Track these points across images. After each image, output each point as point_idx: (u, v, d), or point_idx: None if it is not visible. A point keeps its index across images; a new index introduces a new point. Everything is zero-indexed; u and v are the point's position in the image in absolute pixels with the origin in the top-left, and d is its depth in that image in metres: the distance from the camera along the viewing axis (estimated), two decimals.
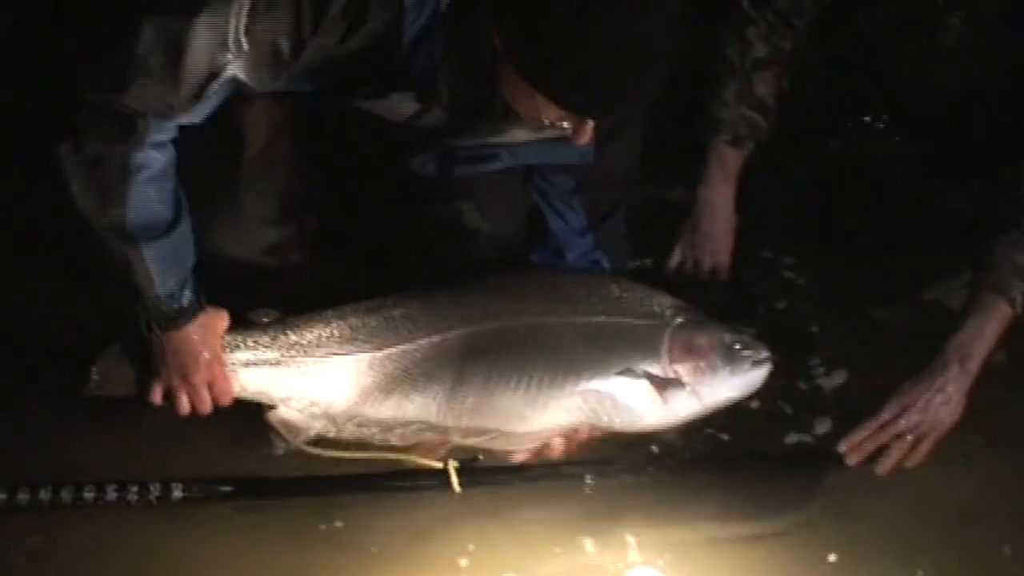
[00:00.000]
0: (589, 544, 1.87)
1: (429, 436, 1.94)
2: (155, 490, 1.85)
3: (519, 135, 1.89)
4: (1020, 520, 1.90)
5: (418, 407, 1.94)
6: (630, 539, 1.88)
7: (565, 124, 1.68)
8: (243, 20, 1.62)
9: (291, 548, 1.85)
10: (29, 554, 1.81)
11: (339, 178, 2.10)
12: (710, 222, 2.22)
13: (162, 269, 1.79)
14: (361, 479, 1.91)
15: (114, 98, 1.66)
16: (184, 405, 1.89)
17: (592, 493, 1.94)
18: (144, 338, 1.85)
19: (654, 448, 2.00)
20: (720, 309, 2.12)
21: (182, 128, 1.77)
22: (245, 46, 1.64)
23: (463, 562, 1.83)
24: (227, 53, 1.64)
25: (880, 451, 1.92)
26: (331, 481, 1.91)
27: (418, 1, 1.68)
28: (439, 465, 1.91)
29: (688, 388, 1.96)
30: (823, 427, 2.06)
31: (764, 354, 1.99)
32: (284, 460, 1.93)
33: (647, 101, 1.67)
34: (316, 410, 1.95)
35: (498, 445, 1.95)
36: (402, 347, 1.95)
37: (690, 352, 1.96)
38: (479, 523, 1.89)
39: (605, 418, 1.94)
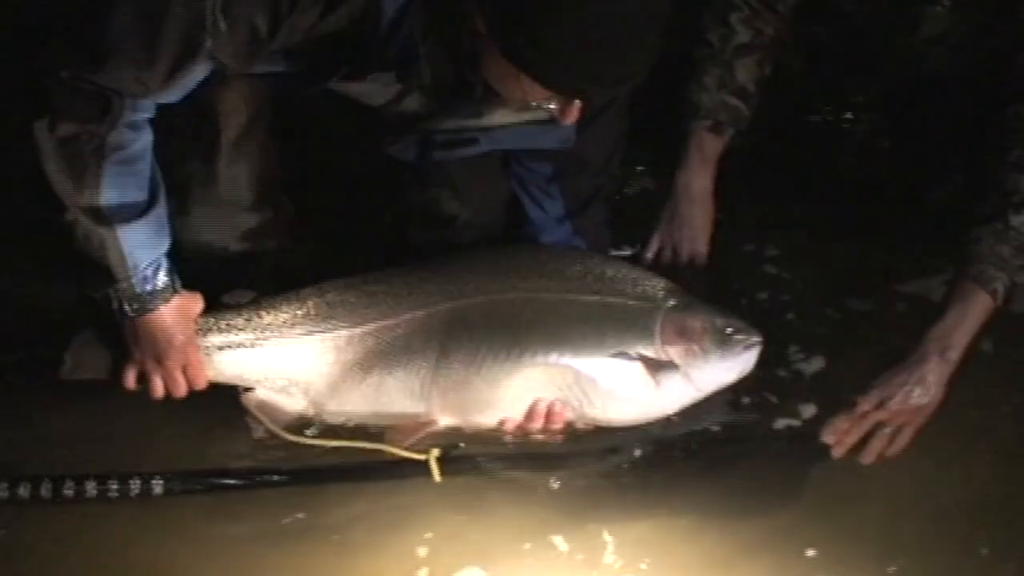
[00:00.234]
0: (560, 540, 1.85)
1: (411, 415, 1.93)
2: (134, 486, 1.83)
3: (498, 118, 1.87)
4: (998, 514, 1.90)
5: (400, 384, 1.92)
6: (607, 538, 1.86)
7: (552, 105, 1.68)
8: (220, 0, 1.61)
9: (254, 540, 1.83)
10: None
11: (316, 164, 2.09)
12: (688, 208, 2.21)
13: (136, 251, 1.78)
14: (337, 469, 1.90)
15: (89, 76, 1.64)
16: (158, 389, 1.87)
17: (563, 486, 1.92)
18: (118, 321, 1.84)
19: (635, 436, 1.98)
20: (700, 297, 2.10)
21: (158, 110, 1.76)
22: (221, 25, 1.63)
23: (422, 551, 1.81)
24: (203, 32, 1.63)
25: (864, 441, 1.93)
26: (307, 471, 1.89)
27: None
28: (421, 457, 1.89)
29: (680, 371, 1.94)
30: (806, 412, 2.05)
31: (755, 338, 1.99)
32: (261, 449, 1.92)
33: (635, 80, 1.66)
34: (295, 391, 1.94)
35: (482, 424, 1.94)
36: (384, 323, 1.93)
37: (683, 335, 1.95)
38: (444, 513, 1.87)
39: (596, 400, 1.92)
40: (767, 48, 2.21)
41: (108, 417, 1.93)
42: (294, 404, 1.94)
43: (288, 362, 1.93)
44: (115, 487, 1.83)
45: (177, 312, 1.86)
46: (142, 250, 1.79)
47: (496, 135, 1.94)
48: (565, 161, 2.06)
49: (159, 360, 1.86)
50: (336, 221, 2.17)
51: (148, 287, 1.81)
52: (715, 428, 2.01)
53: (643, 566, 1.81)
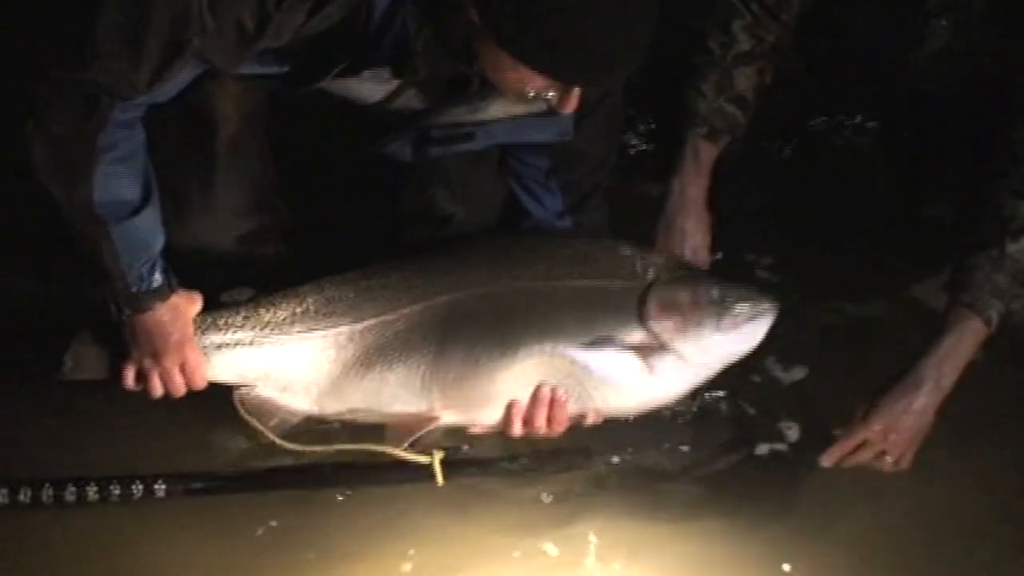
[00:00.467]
0: (550, 547, 1.84)
1: (412, 412, 1.91)
2: (136, 489, 1.84)
3: (495, 111, 1.86)
4: (978, 532, 1.89)
5: (400, 381, 1.90)
6: (591, 538, 1.85)
7: (550, 94, 1.66)
8: None
9: (246, 544, 1.83)
10: None
11: (311, 166, 2.08)
12: (683, 216, 2.15)
13: (130, 250, 1.78)
14: (340, 472, 1.89)
15: (76, 76, 1.63)
16: (156, 388, 1.87)
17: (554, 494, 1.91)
18: (115, 321, 1.83)
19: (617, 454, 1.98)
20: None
21: (152, 114, 1.75)
22: (208, 23, 1.61)
23: (410, 558, 1.81)
24: (190, 30, 1.61)
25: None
26: (309, 475, 1.90)
27: None
28: (424, 459, 1.88)
29: (675, 352, 1.89)
30: (791, 427, 2.03)
31: (764, 304, 1.92)
32: (263, 450, 1.91)
33: (631, 66, 1.64)
34: (296, 389, 1.93)
35: (484, 419, 1.92)
36: (380, 319, 1.91)
37: (672, 311, 1.90)
38: (433, 519, 1.87)
39: (592, 390, 1.89)
40: (768, 57, 2.17)
41: (107, 419, 1.94)
42: (295, 403, 1.93)
43: (288, 361, 1.92)
44: (116, 491, 1.84)
45: (174, 310, 1.85)
46: (136, 249, 1.79)
47: (493, 129, 1.92)
48: (562, 156, 2.04)
49: (157, 359, 1.86)
50: (333, 223, 2.16)
51: (144, 286, 1.81)
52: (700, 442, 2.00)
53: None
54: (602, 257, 1.96)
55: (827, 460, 1.91)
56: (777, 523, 1.89)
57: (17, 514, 1.83)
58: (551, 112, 1.72)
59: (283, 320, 1.92)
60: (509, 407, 1.89)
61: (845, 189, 2.47)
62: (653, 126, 2.57)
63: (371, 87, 1.80)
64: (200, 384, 1.89)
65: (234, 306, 1.93)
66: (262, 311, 1.92)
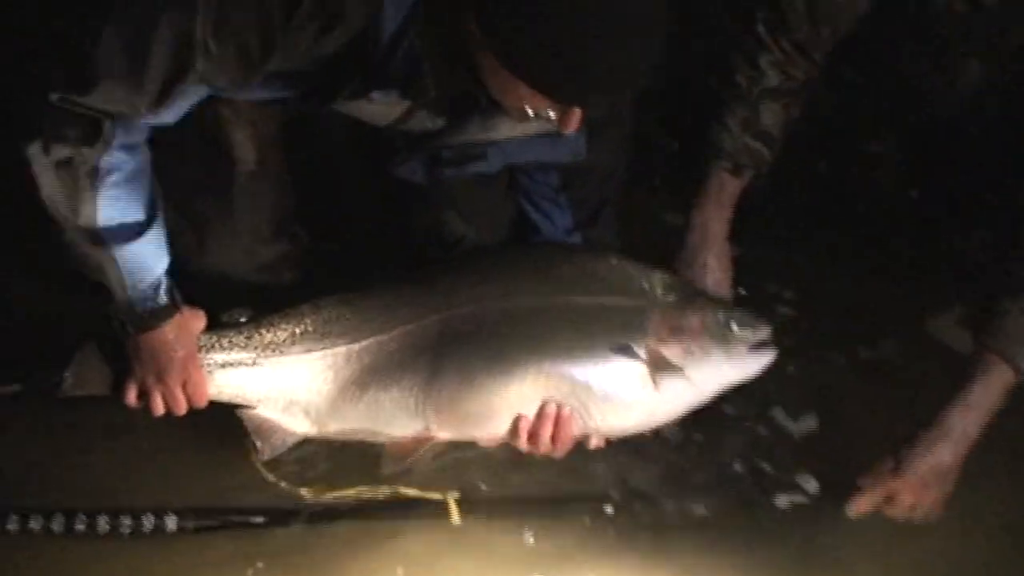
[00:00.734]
0: None
1: (409, 431, 1.91)
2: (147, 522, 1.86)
3: (505, 131, 1.85)
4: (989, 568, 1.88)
5: (396, 400, 1.90)
6: None
7: (551, 113, 1.64)
8: (209, 19, 1.59)
9: None
10: None
11: (326, 191, 2.08)
12: (705, 250, 2.14)
13: (135, 271, 1.79)
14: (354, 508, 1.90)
15: (77, 99, 1.64)
16: (158, 405, 1.88)
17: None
18: (119, 337, 1.85)
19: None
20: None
21: (169, 141, 1.76)
22: (212, 46, 1.61)
23: None
24: (193, 53, 1.61)
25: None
26: (322, 511, 1.90)
27: None
28: (438, 496, 1.88)
29: (680, 373, 1.88)
30: (806, 475, 2.01)
31: (765, 333, 1.92)
32: (271, 480, 1.92)
33: (633, 88, 1.63)
34: (295, 410, 1.93)
35: (480, 435, 1.91)
36: (378, 338, 1.91)
37: (679, 332, 1.89)
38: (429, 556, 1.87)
39: (594, 408, 1.88)
40: (796, 93, 2.15)
41: (111, 443, 1.96)
42: (295, 423, 1.93)
43: (288, 381, 1.92)
44: (128, 523, 1.86)
45: (178, 329, 1.86)
46: (141, 270, 1.80)
47: (505, 149, 1.91)
48: (571, 172, 2.03)
49: (160, 377, 1.86)
50: (346, 247, 2.16)
51: (149, 305, 1.82)
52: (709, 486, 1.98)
53: None
54: (609, 274, 1.94)
55: (854, 511, 1.90)
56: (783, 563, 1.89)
57: (28, 541, 1.85)
58: (556, 132, 1.71)
59: (283, 340, 1.92)
60: (515, 423, 1.88)
61: (870, 223, 2.44)
62: (677, 152, 2.55)
63: (381, 108, 1.79)
64: (202, 403, 1.90)
65: (236, 326, 1.93)
66: (263, 331, 1.93)
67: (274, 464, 1.97)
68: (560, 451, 1.89)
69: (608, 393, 1.88)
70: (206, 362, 1.90)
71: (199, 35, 1.60)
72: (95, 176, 1.71)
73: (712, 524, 1.96)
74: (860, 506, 1.90)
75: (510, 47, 1.56)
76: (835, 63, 2.17)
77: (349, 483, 1.97)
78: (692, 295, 1.97)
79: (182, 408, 1.89)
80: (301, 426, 1.93)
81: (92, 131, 1.68)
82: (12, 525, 1.86)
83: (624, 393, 1.89)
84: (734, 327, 1.91)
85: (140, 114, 1.68)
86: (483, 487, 1.94)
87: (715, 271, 2.13)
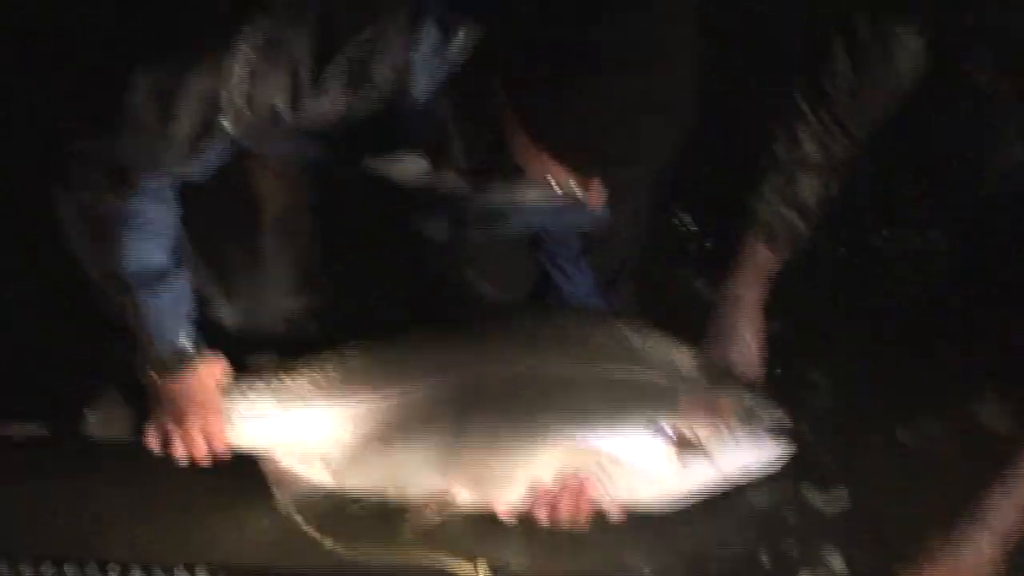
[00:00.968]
0: None
1: (431, 489, 1.89)
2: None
3: (529, 195, 1.84)
4: None
5: (419, 457, 1.88)
6: None
7: (572, 183, 1.64)
8: (237, 77, 1.61)
9: None
10: None
11: (350, 244, 2.08)
12: (736, 321, 2.11)
13: (159, 317, 1.80)
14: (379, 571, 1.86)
15: (105, 149, 1.66)
16: (179, 450, 1.88)
17: None
18: (142, 381, 1.86)
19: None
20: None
21: (198, 194, 1.77)
22: (239, 103, 1.62)
23: None
24: (219, 111, 1.63)
25: None
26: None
27: (426, 58, 1.64)
28: (467, 564, 1.86)
29: (705, 453, 1.88)
30: (836, 563, 1.93)
31: (783, 422, 1.92)
32: (293, 533, 1.90)
33: (656, 160, 1.61)
34: (315, 461, 1.92)
35: (499, 499, 1.89)
36: (404, 393, 1.90)
37: (709, 413, 1.88)
38: None
39: (616, 478, 1.86)
40: (835, 168, 2.10)
41: (133, 488, 1.95)
42: (315, 475, 1.92)
43: (309, 431, 1.91)
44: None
45: (201, 375, 1.87)
46: (165, 315, 1.81)
47: (528, 212, 1.90)
48: (594, 235, 2.02)
49: (181, 421, 1.87)
50: (371, 301, 2.15)
51: (171, 351, 1.83)
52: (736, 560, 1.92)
53: None
54: (639, 347, 1.93)
55: None
56: None
57: None
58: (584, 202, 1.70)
59: (306, 390, 1.91)
60: (536, 489, 1.87)
61: (909, 301, 2.38)
62: (707, 225, 2.51)
63: (407, 168, 1.79)
64: (221, 448, 1.90)
65: (260, 373, 1.93)
66: (286, 379, 1.92)
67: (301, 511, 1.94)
68: (579, 521, 1.87)
69: (632, 467, 1.87)
70: (227, 408, 1.90)
71: (227, 93, 1.61)
72: (120, 223, 1.73)
73: None
74: None
75: (536, 119, 1.56)
76: (879, 140, 2.13)
77: (376, 539, 1.93)
78: (721, 374, 1.96)
79: (202, 454, 1.89)
80: (321, 477, 1.92)
81: (119, 179, 1.70)
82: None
83: (648, 468, 1.87)
84: (761, 410, 1.91)
85: (166, 167, 1.70)
86: (510, 558, 1.88)
87: (747, 344, 2.10)
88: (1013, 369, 2.02)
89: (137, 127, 1.64)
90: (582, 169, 1.60)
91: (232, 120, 1.63)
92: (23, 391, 2.00)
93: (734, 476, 1.92)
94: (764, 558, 1.90)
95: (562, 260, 2.07)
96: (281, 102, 1.63)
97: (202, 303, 1.88)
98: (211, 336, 1.89)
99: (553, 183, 1.63)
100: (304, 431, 1.91)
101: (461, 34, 1.62)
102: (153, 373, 1.84)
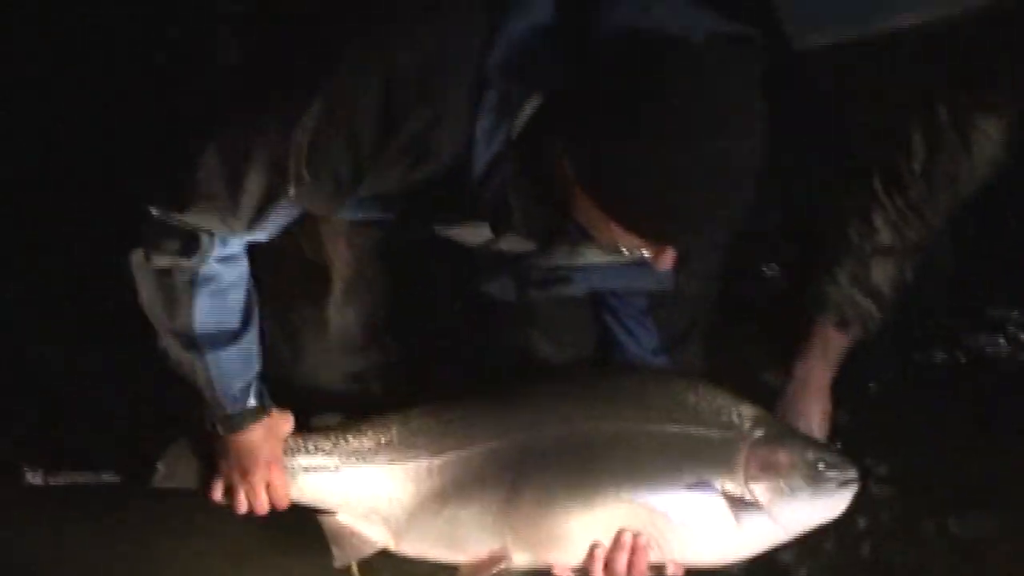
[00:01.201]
0: None
1: (486, 550, 1.90)
2: None
3: (592, 257, 1.83)
4: None
5: (475, 517, 1.90)
6: None
7: (644, 251, 1.64)
8: (303, 149, 1.63)
9: None
10: None
11: (416, 303, 2.11)
12: (804, 402, 2.10)
13: (226, 376, 1.84)
14: None
15: (176, 216, 1.71)
16: (242, 504, 1.92)
17: None
18: (209, 436, 1.90)
19: None
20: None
21: (269, 256, 1.81)
22: (304, 175, 1.65)
23: None
24: (286, 180, 1.65)
25: None
26: None
27: (488, 131, 1.64)
28: None
29: (765, 510, 1.86)
30: None
31: (851, 474, 1.88)
32: None
33: (727, 228, 1.61)
34: (375, 519, 1.94)
35: (558, 562, 1.89)
36: (461, 453, 1.92)
37: (769, 470, 1.86)
38: None
39: (673, 538, 1.86)
40: (910, 253, 2.08)
41: (193, 540, 2.02)
42: (374, 533, 1.95)
43: (370, 489, 1.94)
44: None
45: (266, 430, 1.91)
46: (233, 375, 1.85)
47: (591, 274, 1.90)
48: (660, 295, 2.01)
49: (245, 476, 1.91)
50: (434, 360, 2.16)
51: (238, 408, 1.87)
52: None
53: None
54: (698, 404, 1.91)
55: None
56: None
57: None
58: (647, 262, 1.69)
59: (368, 449, 1.94)
60: (591, 550, 1.87)
61: (977, 391, 2.32)
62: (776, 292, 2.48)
63: (471, 233, 1.80)
64: (283, 504, 1.94)
65: (323, 430, 1.96)
66: (350, 438, 1.95)
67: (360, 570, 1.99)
68: None
69: (689, 526, 1.86)
70: (290, 465, 1.94)
71: (293, 164, 1.64)
72: (193, 285, 1.77)
73: None
74: None
75: (602, 187, 1.55)
76: (955, 218, 2.11)
77: None
78: (781, 431, 1.94)
79: (264, 508, 1.93)
80: (379, 536, 1.95)
81: (191, 244, 1.74)
82: None
83: (705, 527, 1.86)
84: (822, 467, 1.87)
85: (235, 232, 1.74)
86: None
87: (810, 423, 2.08)
88: None
89: (206, 196, 1.67)
90: (651, 238, 1.60)
91: (297, 189, 1.66)
92: (97, 441, 2.07)
93: (795, 532, 1.89)
94: None
95: (626, 318, 2.06)
96: (345, 173, 1.66)
97: (270, 360, 1.91)
98: (277, 392, 1.93)
99: (625, 251, 1.64)
100: (365, 489, 1.94)
101: (524, 105, 1.61)
102: (220, 429, 1.87)
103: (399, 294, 2.07)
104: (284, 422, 1.94)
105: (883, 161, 2.07)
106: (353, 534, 1.95)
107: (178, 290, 1.77)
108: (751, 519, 1.85)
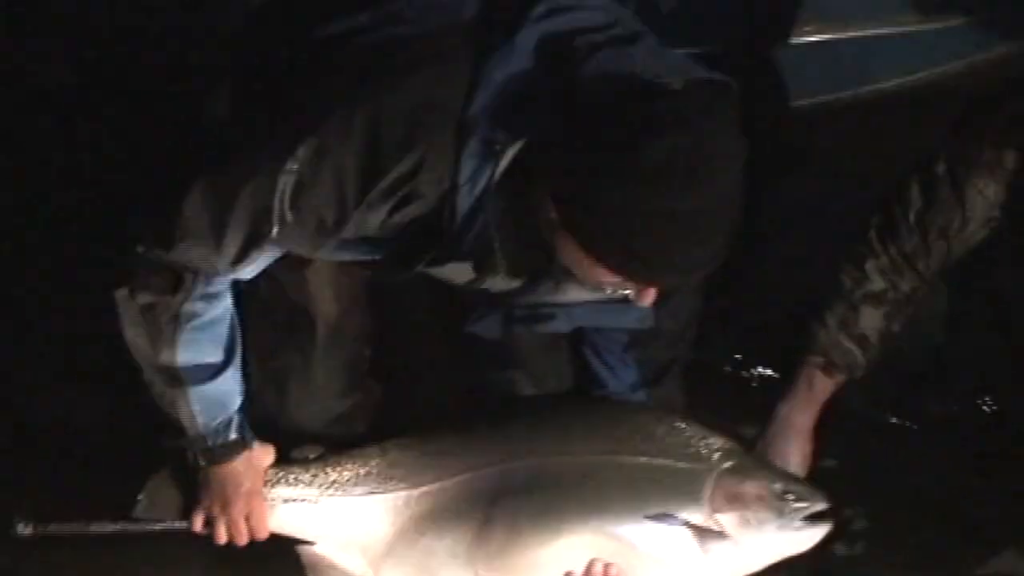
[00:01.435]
0: None
1: None
2: None
3: (576, 295, 1.87)
4: None
5: (448, 548, 1.93)
6: None
7: (627, 290, 1.69)
8: (288, 192, 1.66)
9: None
10: None
11: (399, 344, 2.13)
12: (784, 443, 2.13)
13: (209, 410, 1.87)
14: None
15: (162, 254, 1.73)
16: (221, 534, 1.95)
17: None
18: (191, 467, 1.92)
19: None
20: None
21: (254, 303, 1.86)
22: (289, 217, 1.68)
23: None
24: (270, 221, 1.68)
25: None
26: None
27: (471, 175, 1.67)
28: None
29: (731, 542, 1.89)
30: None
31: (820, 505, 1.91)
32: None
33: (710, 268, 1.65)
34: (353, 550, 1.98)
35: None
36: (436, 485, 1.95)
37: (735, 501, 1.90)
38: None
39: (641, 569, 1.89)
40: (900, 305, 2.12)
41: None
42: (351, 563, 1.98)
43: (348, 521, 1.97)
44: None
45: (247, 463, 1.93)
46: (215, 408, 1.88)
47: (574, 312, 1.93)
48: (640, 331, 2.04)
49: (225, 507, 1.93)
50: (418, 401, 2.21)
51: (219, 440, 1.90)
52: None
53: None
54: (667, 436, 1.95)
55: None
56: None
57: None
58: (629, 300, 1.74)
59: (347, 480, 1.98)
60: None
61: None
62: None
63: (454, 273, 1.83)
64: (263, 535, 1.96)
65: (303, 462, 2.00)
66: (329, 470, 1.98)
67: None
68: None
69: (656, 557, 1.89)
70: (270, 496, 1.97)
71: (277, 207, 1.67)
72: (176, 321, 1.80)
73: None
74: None
75: (587, 230, 1.59)
76: (957, 294, 2.17)
77: None
78: (751, 463, 1.97)
79: (244, 539, 1.95)
80: (357, 566, 1.98)
81: (175, 282, 1.77)
82: None
83: (672, 558, 1.89)
84: (790, 499, 1.90)
85: (220, 272, 1.77)
86: None
87: (789, 462, 2.11)
88: None
89: (191, 236, 1.71)
90: (636, 279, 1.65)
91: (280, 230, 1.69)
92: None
93: (762, 563, 1.92)
94: None
95: (607, 354, 2.10)
96: (328, 215, 1.69)
97: (254, 405, 1.95)
98: (261, 432, 1.96)
99: (609, 291, 1.69)
100: (343, 520, 1.97)
101: (507, 150, 1.65)
102: (202, 461, 1.90)
103: (384, 336, 2.10)
104: (265, 454, 1.97)
105: (882, 213, 2.12)
106: (331, 564, 1.99)
107: (162, 325, 1.80)
108: (718, 550, 1.89)
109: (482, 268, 1.79)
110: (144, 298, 1.78)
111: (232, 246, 1.72)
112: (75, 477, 2.14)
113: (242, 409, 1.91)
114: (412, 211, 1.69)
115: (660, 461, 1.92)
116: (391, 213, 1.70)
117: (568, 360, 2.12)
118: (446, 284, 1.87)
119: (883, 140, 2.60)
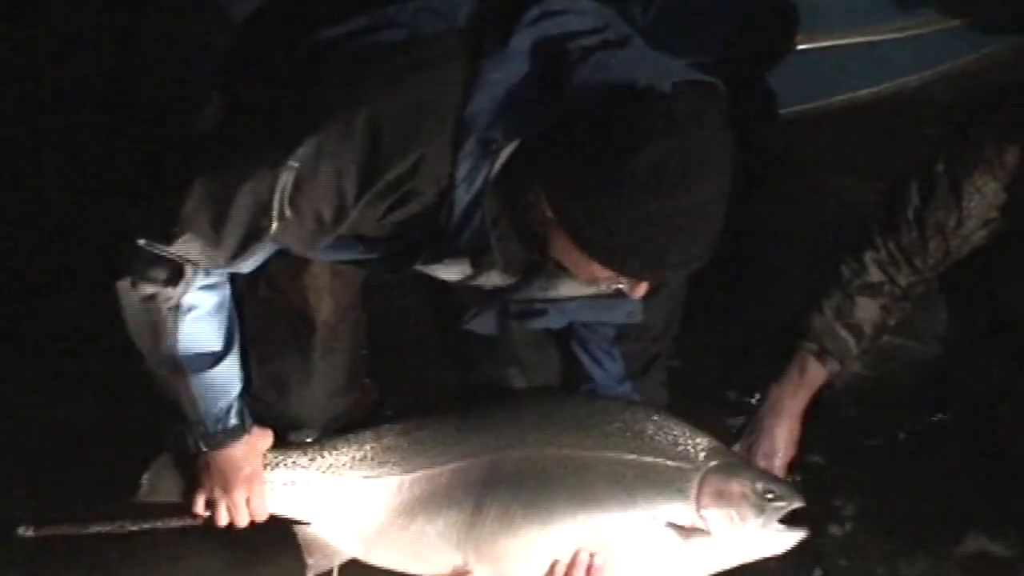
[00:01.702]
0: None
1: (449, 565, 2.01)
2: None
3: (566, 291, 1.93)
4: None
5: (440, 533, 2.00)
6: None
7: (620, 285, 1.76)
8: (287, 189, 1.70)
9: None
10: None
11: (396, 342, 2.19)
12: (772, 423, 2.19)
13: (209, 397, 1.93)
14: None
15: (162, 247, 1.78)
16: (222, 517, 2.01)
17: None
18: (192, 452, 1.98)
19: None
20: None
21: (253, 305, 1.92)
22: (288, 213, 1.72)
23: None
24: (270, 218, 1.73)
25: None
26: None
27: (468, 173, 1.71)
28: None
29: (716, 538, 1.96)
30: None
31: (798, 504, 1.98)
32: None
33: (701, 262, 1.70)
34: (347, 531, 2.04)
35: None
36: (428, 471, 2.02)
37: (720, 499, 1.96)
38: None
39: (625, 562, 1.96)
40: (896, 299, 2.19)
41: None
42: (346, 544, 2.05)
43: (344, 503, 2.03)
44: None
45: (246, 448, 1.99)
46: (215, 395, 1.93)
47: (565, 307, 1.98)
48: (626, 325, 2.10)
49: (226, 490, 1.99)
50: (414, 397, 2.25)
51: (220, 427, 1.95)
52: None
53: None
54: (654, 433, 2.01)
55: None
56: None
57: None
58: (621, 294, 1.81)
59: (343, 464, 2.04)
60: (549, 567, 1.97)
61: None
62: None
63: (450, 270, 1.88)
64: (262, 517, 2.02)
65: (301, 446, 2.06)
66: (326, 453, 2.05)
67: None
68: None
69: (640, 550, 1.96)
70: (270, 479, 2.03)
71: (277, 203, 1.72)
72: (176, 312, 1.85)
73: None
74: None
75: (581, 226, 1.66)
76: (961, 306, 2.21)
77: None
78: (735, 463, 2.04)
79: (244, 521, 2.01)
80: (350, 547, 2.05)
81: (175, 274, 1.82)
82: None
83: (657, 552, 1.96)
84: (771, 498, 1.97)
85: (218, 265, 1.81)
86: None
87: (776, 442, 2.18)
88: None
89: (191, 230, 1.75)
90: (629, 274, 1.71)
91: (279, 226, 1.74)
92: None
93: (743, 560, 1.99)
94: None
95: (594, 348, 2.15)
96: (327, 213, 1.74)
97: (254, 403, 2.01)
98: (258, 412, 2.02)
99: (602, 286, 1.76)
100: (338, 503, 2.04)
101: (503, 150, 1.70)
102: (202, 446, 1.96)
103: (381, 334, 2.16)
104: (264, 438, 2.03)
105: (883, 207, 2.19)
106: (326, 544, 2.05)
107: (162, 316, 1.85)
108: (702, 546, 1.96)
109: (479, 264, 1.84)
110: (145, 289, 1.83)
111: (232, 241, 1.76)
112: (75, 477, 2.21)
113: (241, 395, 1.97)
114: (409, 209, 1.75)
115: (648, 458, 1.99)
116: (388, 211, 1.75)
117: (558, 356, 2.18)
118: (440, 282, 1.93)
119: (857, 150, 2.65)
